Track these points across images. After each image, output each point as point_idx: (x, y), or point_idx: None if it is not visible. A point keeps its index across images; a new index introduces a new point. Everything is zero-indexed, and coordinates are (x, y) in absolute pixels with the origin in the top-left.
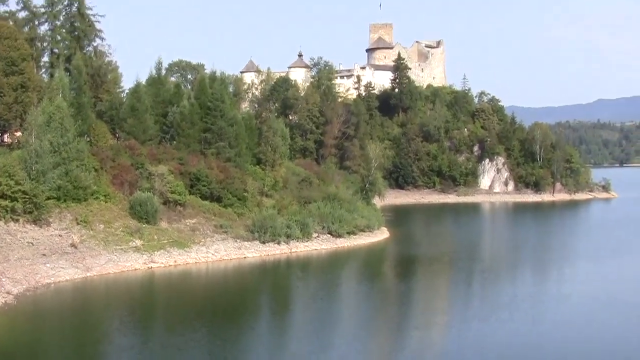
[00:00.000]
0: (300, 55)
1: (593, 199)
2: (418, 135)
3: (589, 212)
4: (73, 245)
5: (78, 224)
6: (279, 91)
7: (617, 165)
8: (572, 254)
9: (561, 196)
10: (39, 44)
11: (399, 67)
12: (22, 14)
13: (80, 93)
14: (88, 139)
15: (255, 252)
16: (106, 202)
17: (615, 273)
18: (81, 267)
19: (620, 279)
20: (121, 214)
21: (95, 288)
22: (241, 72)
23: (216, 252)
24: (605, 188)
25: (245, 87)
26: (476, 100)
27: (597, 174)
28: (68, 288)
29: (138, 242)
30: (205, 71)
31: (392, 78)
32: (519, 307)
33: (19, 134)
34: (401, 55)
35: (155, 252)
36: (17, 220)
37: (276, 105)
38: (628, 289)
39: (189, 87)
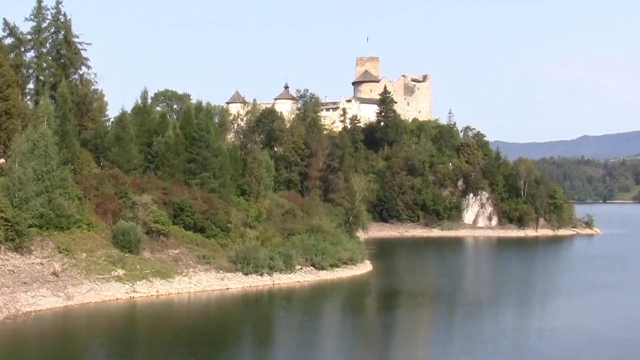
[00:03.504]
0: (286, 87)
1: (576, 235)
2: (403, 168)
3: (572, 248)
4: (54, 273)
5: (60, 252)
6: (265, 123)
7: (601, 201)
8: (555, 289)
9: (544, 232)
10: (24, 71)
11: (385, 101)
12: (8, 41)
13: (65, 121)
14: (72, 167)
15: (237, 284)
16: (89, 230)
17: (598, 308)
18: (62, 295)
19: (604, 315)
20: (104, 243)
21: (76, 317)
22: (227, 103)
23: (199, 282)
24: (589, 224)
25: (231, 118)
26: (461, 134)
27: (580, 210)
28: (49, 317)
29: (120, 272)
30: (191, 101)
31: (377, 111)
32: (504, 340)
33: (2, 160)
34: (387, 89)
35: (138, 282)
36: None
37: (261, 136)
38: (611, 324)
39: (175, 117)
